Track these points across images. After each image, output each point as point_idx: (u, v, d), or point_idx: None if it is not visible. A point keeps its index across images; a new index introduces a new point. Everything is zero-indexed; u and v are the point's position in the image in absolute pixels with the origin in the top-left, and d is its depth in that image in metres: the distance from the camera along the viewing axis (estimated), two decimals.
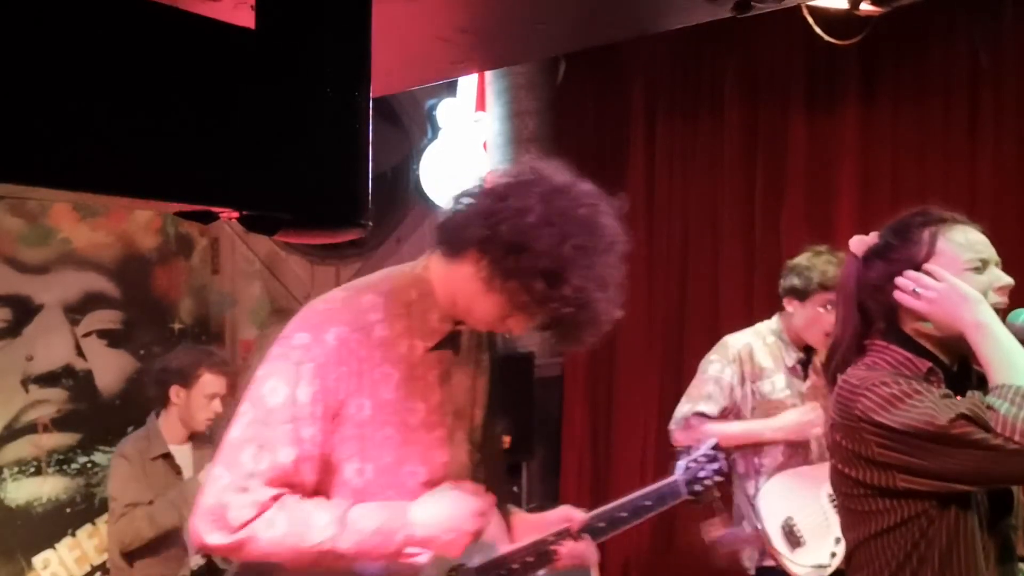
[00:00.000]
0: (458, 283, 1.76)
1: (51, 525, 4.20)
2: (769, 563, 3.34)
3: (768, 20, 3.66)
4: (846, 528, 1.93)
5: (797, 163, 4.39)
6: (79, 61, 1.01)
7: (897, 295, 1.84)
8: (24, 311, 4.17)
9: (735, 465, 3.38)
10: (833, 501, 3.25)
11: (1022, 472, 1.70)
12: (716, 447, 2.88)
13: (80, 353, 4.31)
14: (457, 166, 5.00)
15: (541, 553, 1.99)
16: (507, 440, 2.41)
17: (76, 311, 4.30)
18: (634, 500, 2.50)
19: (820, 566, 3.26)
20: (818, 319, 3.31)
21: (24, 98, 0.97)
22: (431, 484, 1.80)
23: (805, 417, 3.28)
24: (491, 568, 1.92)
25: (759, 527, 3.31)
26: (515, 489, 4.54)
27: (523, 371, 4.50)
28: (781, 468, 3.33)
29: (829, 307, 3.28)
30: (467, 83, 5.00)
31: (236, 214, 1.17)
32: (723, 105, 4.63)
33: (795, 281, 3.37)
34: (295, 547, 1.67)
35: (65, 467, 4.25)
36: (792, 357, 3.43)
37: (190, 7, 1.09)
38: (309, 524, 1.68)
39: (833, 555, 3.24)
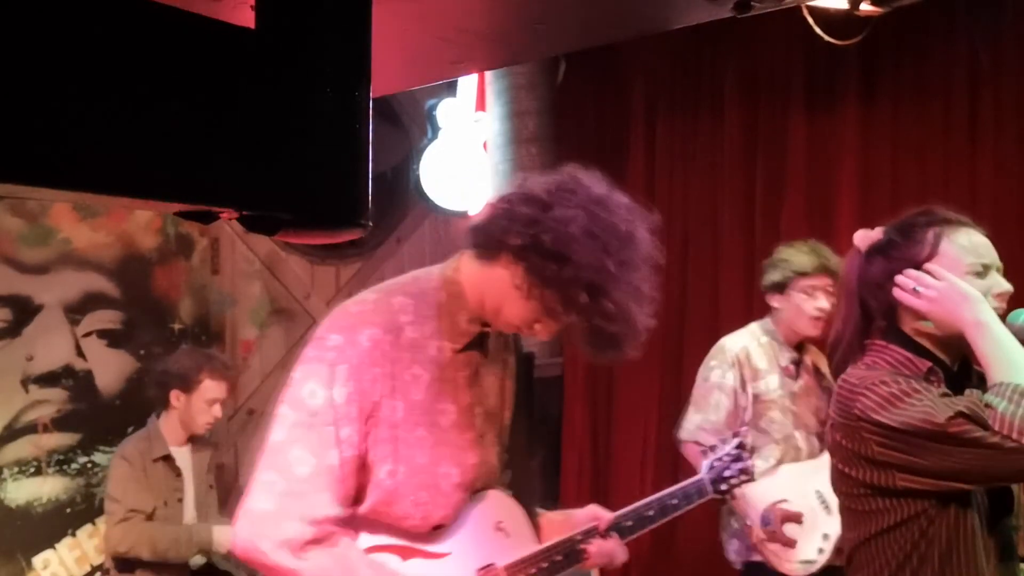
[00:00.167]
0: (490, 285, 1.76)
1: (51, 525, 4.20)
2: (756, 558, 3.36)
3: (768, 20, 3.66)
4: (846, 528, 1.93)
5: (797, 163, 4.39)
6: (78, 61, 1.01)
7: (897, 293, 1.84)
8: (24, 311, 4.17)
9: None
10: (821, 498, 3.28)
11: (1020, 470, 1.71)
12: (740, 446, 2.90)
13: (80, 353, 4.31)
14: (457, 166, 5.01)
15: (570, 552, 2.00)
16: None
17: (76, 311, 4.30)
18: (661, 498, 2.51)
19: (807, 561, 3.29)
20: (802, 306, 3.36)
21: (24, 98, 0.97)
22: (463, 486, 1.82)
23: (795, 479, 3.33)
24: (520, 566, 1.92)
25: (748, 524, 3.33)
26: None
27: (523, 371, 4.50)
28: (772, 469, 3.36)
29: (810, 291, 3.33)
30: (467, 83, 5.00)
31: (236, 214, 1.17)
32: (723, 105, 4.63)
33: (772, 276, 3.43)
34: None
35: (65, 467, 4.25)
36: (786, 357, 3.46)
37: (190, 7, 1.09)
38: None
39: (820, 551, 3.27)
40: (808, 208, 4.36)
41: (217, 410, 3.65)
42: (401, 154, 5.18)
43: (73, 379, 4.28)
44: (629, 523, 2.19)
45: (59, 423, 4.24)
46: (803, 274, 3.36)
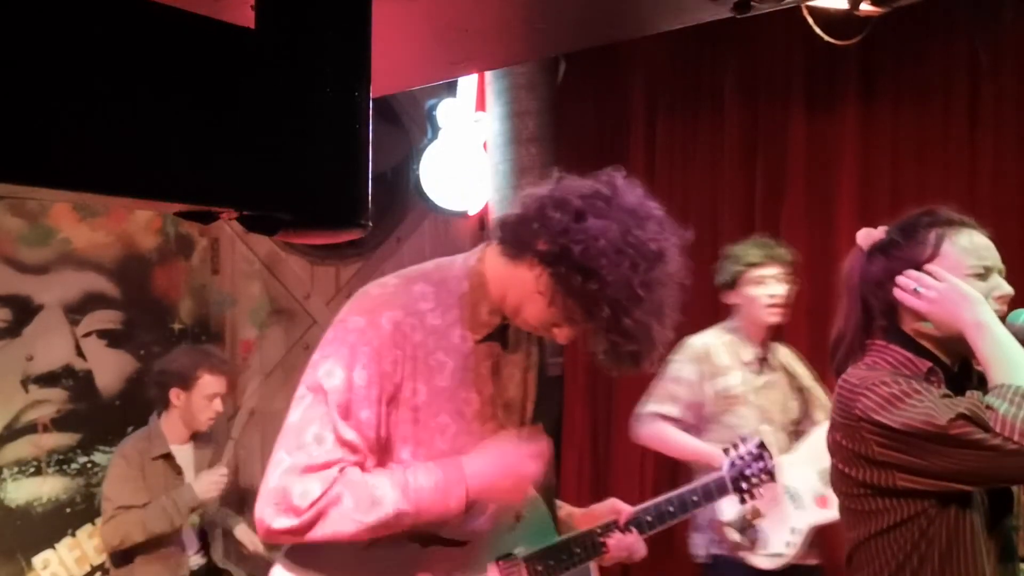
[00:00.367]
0: (513, 283, 1.75)
1: (51, 525, 4.20)
2: (723, 551, 3.39)
3: (768, 20, 3.66)
4: (846, 528, 1.93)
5: (797, 163, 4.39)
6: (78, 61, 1.01)
7: (898, 294, 1.84)
8: (24, 311, 4.17)
9: None
10: (789, 492, 3.30)
11: (1021, 472, 1.70)
12: (761, 445, 2.92)
13: (80, 353, 4.31)
14: (457, 166, 5.01)
15: (589, 545, 2.01)
16: None
17: (76, 311, 4.31)
18: (682, 494, 2.52)
19: (775, 554, 3.33)
20: (755, 297, 3.45)
21: (24, 98, 0.97)
22: None
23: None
24: (539, 558, 1.93)
25: (717, 517, 3.36)
26: None
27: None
28: None
29: (760, 281, 3.41)
30: (467, 83, 5.00)
31: (236, 214, 1.17)
32: (723, 105, 4.62)
33: (723, 274, 3.55)
34: (362, 520, 1.66)
35: (65, 467, 4.25)
36: (749, 353, 3.53)
37: (190, 7, 1.09)
38: (374, 496, 1.67)
39: (788, 544, 3.32)
40: (808, 208, 4.36)
41: (218, 404, 3.66)
42: (401, 154, 5.18)
43: (73, 379, 4.29)
44: (649, 518, 2.19)
45: (59, 423, 4.24)
46: (751, 265, 3.47)
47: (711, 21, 1.96)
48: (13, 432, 4.13)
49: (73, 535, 4.26)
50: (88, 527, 4.28)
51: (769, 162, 4.48)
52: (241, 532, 3.83)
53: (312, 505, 1.64)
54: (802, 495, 3.37)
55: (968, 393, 1.79)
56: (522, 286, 1.73)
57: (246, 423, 4.74)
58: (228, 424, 4.49)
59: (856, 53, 4.06)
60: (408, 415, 1.73)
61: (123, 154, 1.04)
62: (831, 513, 3.29)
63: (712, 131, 4.67)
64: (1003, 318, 1.82)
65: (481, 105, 4.97)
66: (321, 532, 1.66)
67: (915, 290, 1.81)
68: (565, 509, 2.09)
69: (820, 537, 3.46)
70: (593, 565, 2.07)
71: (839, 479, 1.90)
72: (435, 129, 5.06)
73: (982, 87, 3.95)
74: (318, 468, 1.66)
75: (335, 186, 1.24)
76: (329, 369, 1.70)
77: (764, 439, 3.39)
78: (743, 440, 3.00)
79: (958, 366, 1.88)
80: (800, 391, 3.58)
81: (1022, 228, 3.71)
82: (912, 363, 1.84)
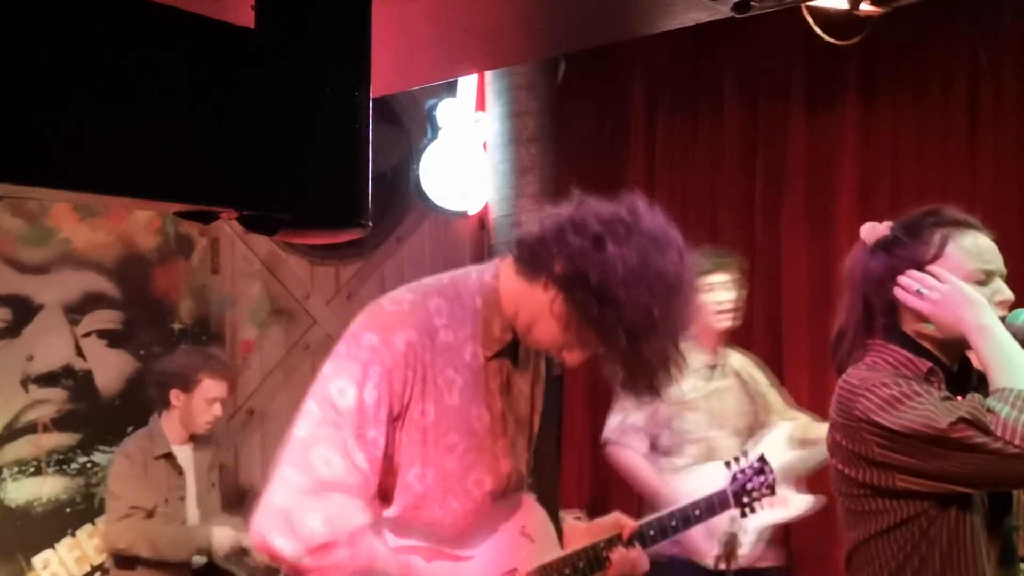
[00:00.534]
0: (526, 302, 1.73)
1: (51, 525, 4.20)
2: (674, 551, 3.41)
3: (768, 20, 3.65)
4: (846, 528, 1.93)
5: (797, 163, 4.39)
6: (78, 61, 1.01)
7: (900, 294, 1.84)
8: (24, 311, 4.17)
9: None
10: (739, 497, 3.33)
11: (1022, 476, 1.70)
12: (763, 459, 2.94)
13: (80, 353, 4.31)
14: (457, 166, 5.01)
15: (592, 559, 2.00)
16: None
17: (76, 311, 4.30)
18: (684, 509, 2.53)
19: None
20: (704, 303, 3.55)
21: (24, 98, 0.97)
22: (495, 495, 1.81)
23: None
24: (543, 572, 1.92)
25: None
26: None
27: (553, 378, 4.51)
28: (692, 467, 3.48)
29: (707, 288, 3.50)
30: (467, 83, 4.99)
31: (236, 214, 1.17)
32: (723, 105, 4.62)
33: None
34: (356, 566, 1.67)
35: (65, 467, 4.25)
36: (699, 360, 3.56)
37: (190, 7, 1.09)
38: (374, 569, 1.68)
39: (739, 545, 3.35)
40: (808, 208, 4.36)
41: (217, 409, 3.66)
42: (401, 154, 5.18)
43: (73, 379, 4.28)
44: (652, 532, 2.20)
45: (59, 423, 4.23)
46: (698, 274, 3.50)
47: (711, 21, 1.95)
48: (13, 432, 4.13)
49: (73, 535, 4.25)
50: (88, 527, 4.28)
51: (769, 162, 4.47)
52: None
53: (316, 548, 1.63)
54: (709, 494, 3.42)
55: (969, 395, 1.79)
56: (536, 307, 1.70)
57: (246, 423, 4.74)
58: (228, 424, 4.49)
59: (856, 53, 4.06)
60: (417, 435, 1.71)
61: (123, 154, 1.05)
62: (781, 514, 3.33)
63: (712, 131, 4.67)
64: (1002, 319, 1.82)
65: (481, 105, 4.97)
66: (318, 565, 1.65)
67: (918, 291, 1.81)
68: (569, 522, 2.09)
69: (785, 540, 3.50)
70: None
71: (839, 479, 1.89)
72: (435, 129, 5.06)
73: (982, 87, 3.95)
74: (326, 491, 1.65)
75: (335, 186, 1.24)
76: (340, 387, 1.68)
77: (715, 444, 3.46)
78: (745, 454, 3.02)
79: (957, 366, 1.88)
80: (754, 397, 3.62)
81: (1022, 228, 3.71)
82: (912, 363, 1.83)
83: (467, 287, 1.80)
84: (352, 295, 4.93)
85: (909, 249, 1.86)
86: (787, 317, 4.38)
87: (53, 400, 4.23)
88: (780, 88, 4.45)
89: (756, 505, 2.91)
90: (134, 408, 4.13)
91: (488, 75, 4.85)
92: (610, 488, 4.72)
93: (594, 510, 3.82)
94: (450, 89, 5.02)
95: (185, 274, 4.64)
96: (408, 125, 5.24)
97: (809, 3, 3.50)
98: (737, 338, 4.52)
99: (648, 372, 1.64)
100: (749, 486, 2.89)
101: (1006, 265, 1.88)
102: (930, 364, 1.83)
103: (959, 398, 1.78)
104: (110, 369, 4.38)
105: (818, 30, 3.73)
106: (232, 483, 4.43)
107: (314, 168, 1.21)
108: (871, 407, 1.76)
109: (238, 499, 4.18)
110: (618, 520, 2.09)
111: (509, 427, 1.83)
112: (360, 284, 5.02)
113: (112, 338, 4.40)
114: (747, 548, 3.37)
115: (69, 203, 4.07)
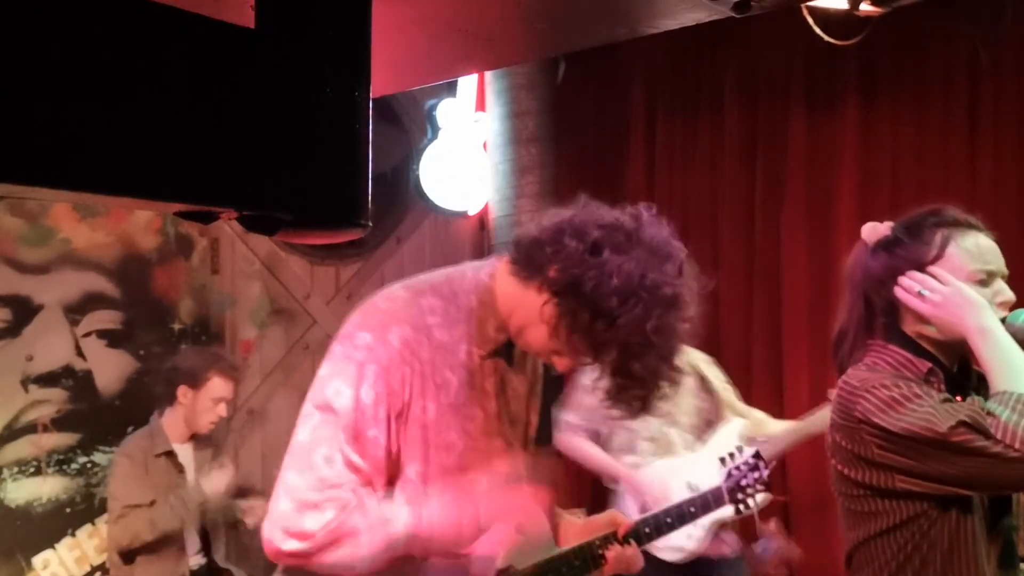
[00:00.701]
0: (519, 304, 1.70)
1: (51, 525, 4.20)
2: None
3: (768, 20, 3.66)
4: (846, 528, 1.92)
5: (797, 163, 4.39)
6: (78, 61, 1.01)
7: (901, 295, 1.83)
8: (24, 311, 4.17)
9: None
10: (692, 488, 3.33)
11: (1021, 479, 1.70)
12: (757, 455, 2.93)
13: (80, 353, 4.31)
14: (457, 166, 5.01)
15: (588, 557, 1.99)
16: None
17: (76, 311, 4.30)
18: (680, 506, 2.52)
19: (677, 548, 3.44)
20: None
21: (24, 98, 0.97)
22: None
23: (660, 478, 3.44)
24: (537, 571, 1.92)
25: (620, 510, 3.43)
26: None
27: (552, 378, 4.52)
28: (645, 464, 3.52)
29: None
30: (467, 83, 5.00)
31: (236, 214, 1.17)
32: (723, 105, 4.63)
33: None
34: (372, 547, 1.65)
35: (65, 467, 4.25)
36: None
37: (190, 7, 1.09)
38: (387, 524, 1.66)
39: (689, 536, 3.42)
40: (808, 208, 4.36)
41: (222, 409, 3.67)
42: (401, 154, 5.18)
43: (73, 379, 4.28)
44: (648, 530, 2.18)
45: (59, 423, 4.23)
46: None
47: (711, 21, 1.96)
48: (13, 432, 4.13)
49: (73, 535, 4.25)
50: (88, 527, 4.28)
51: (769, 162, 4.48)
52: (247, 508, 3.80)
53: (323, 529, 1.62)
54: (703, 490, 3.43)
55: (969, 397, 1.78)
56: (528, 309, 1.68)
57: (246, 423, 4.73)
58: (228, 424, 4.49)
59: (856, 53, 4.06)
60: (417, 433, 1.70)
61: (123, 154, 1.05)
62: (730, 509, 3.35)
63: (712, 131, 4.67)
64: (1003, 320, 1.81)
65: (481, 105, 4.97)
66: (331, 558, 1.64)
67: (919, 293, 1.80)
68: (565, 519, 2.08)
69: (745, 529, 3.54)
70: None
71: (839, 480, 1.89)
72: (435, 129, 5.06)
73: (982, 87, 3.95)
74: (328, 489, 1.64)
75: (335, 186, 1.24)
76: (337, 388, 1.67)
77: (669, 440, 3.47)
78: (739, 450, 3.01)
79: (957, 367, 1.88)
80: (708, 393, 3.65)
81: (1022, 228, 3.71)
82: (912, 364, 1.83)
83: (463, 285, 1.79)
84: (352, 295, 4.92)
85: (910, 249, 1.86)
86: (787, 317, 4.38)
87: (53, 400, 4.23)
88: (780, 88, 4.45)
89: (750, 501, 2.90)
90: (134, 408, 4.13)
91: (488, 75, 4.85)
92: (610, 488, 4.72)
93: (594, 510, 3.82)
94: (450, 89, 5.03)
95: (185, 274, 4.64)
96: (408, 125, 5.24)
97: (809, 3, 3.50)
98: (737, 338, 4.53)
99: (638, 387, 1.61)
100: (744, 482, 2.89)
101: (1007, 266, 1.88)
102: (930, 365, 1.83)
103: (959, 399, 1.78)
104: (110, 369, 4.38)
105: (818, 30, 3.74)
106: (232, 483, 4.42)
107: (314, 168, 1.21)
108: (871, 408, 1.75)
109: (238, 499, 4.18)
110: (614, 518, 2.09)
111: (504, 427, 1.82)
112: (360, 284, 5.02)
113: (112, 338, 4.40)
114: (702, 542, 3.41)
115: (69, 203, 4.07)
